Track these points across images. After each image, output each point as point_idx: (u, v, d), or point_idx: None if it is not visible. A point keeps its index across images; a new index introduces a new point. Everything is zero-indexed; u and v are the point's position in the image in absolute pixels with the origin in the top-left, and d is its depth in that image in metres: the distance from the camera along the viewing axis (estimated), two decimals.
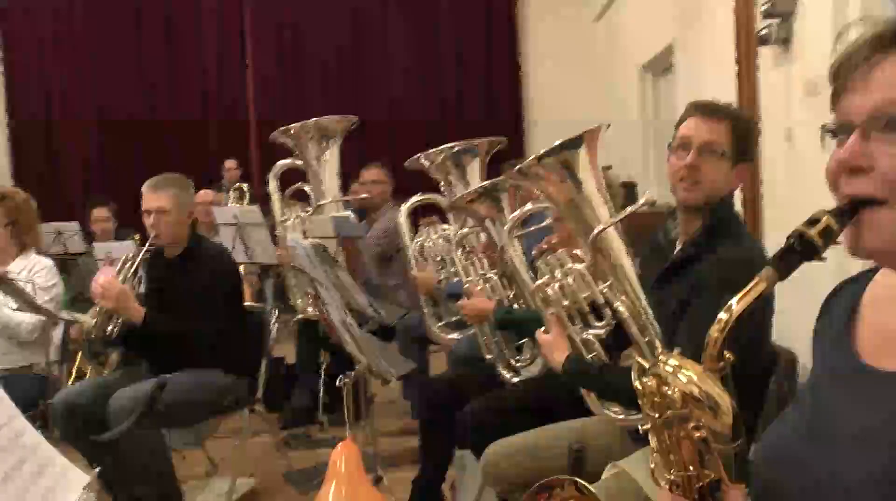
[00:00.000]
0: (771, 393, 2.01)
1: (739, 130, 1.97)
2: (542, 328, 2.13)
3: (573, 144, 2.03)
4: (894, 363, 0.92)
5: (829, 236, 0.84)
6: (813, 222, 0.85)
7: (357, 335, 2.61)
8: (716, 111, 1.98)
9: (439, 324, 3.61)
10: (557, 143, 2.03)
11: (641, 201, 1.96)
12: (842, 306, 1.04)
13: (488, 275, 3.05)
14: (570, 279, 2.08)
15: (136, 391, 2.92)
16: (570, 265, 2.10)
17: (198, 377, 3.10)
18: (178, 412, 3.00)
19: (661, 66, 6.60)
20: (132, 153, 8.79)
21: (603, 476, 1.97)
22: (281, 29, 9.11)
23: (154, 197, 3.17)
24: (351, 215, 4.06)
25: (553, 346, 2.07)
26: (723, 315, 0.89)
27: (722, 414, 0.88)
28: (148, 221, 3.19)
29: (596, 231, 1.96)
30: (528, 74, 9.11)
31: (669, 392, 0.90)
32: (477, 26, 9.08)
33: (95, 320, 3.12)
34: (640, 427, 1.03)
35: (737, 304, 0.88)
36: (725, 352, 0.88)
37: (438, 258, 3.72)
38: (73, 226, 5.85)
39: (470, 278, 3.08)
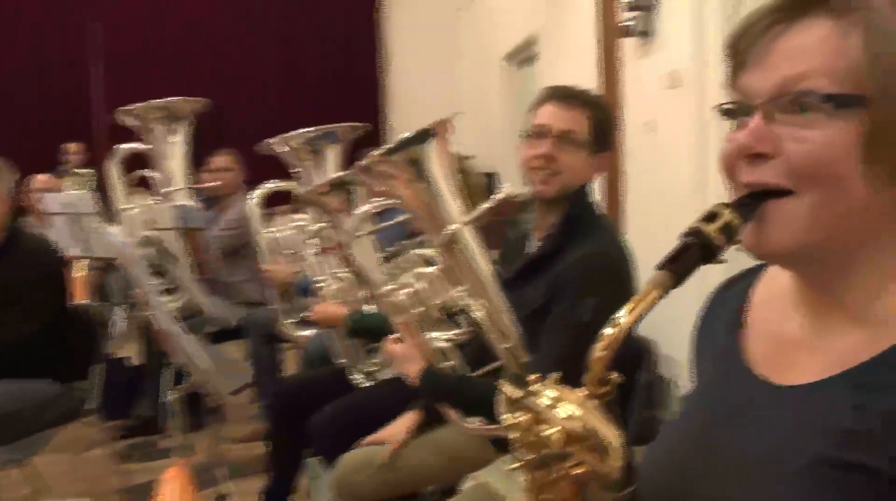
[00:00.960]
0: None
1: (598, 118, 1.88)
2: (393, 337, 1.94)
3: (421, 136, 1.85)
4: (791, 376, 0.80)
5: (730, 234, 0.71)
6: (711, 217, 0.72)
7: (188, 346, 2.33)
8: (573, 98, 1.87)
9: (291, 321, 3.40)
10: (405, 135, 1.85)
11: (497, 197, 1.80)
12: (728, 309, 0.92)
13: (340, 274, 2.85)
14: (421, 284, 1.91)
15: None
16: (420, 269, 1.92)
17: (17, 388, 2.76)
18: None
19: (523, 56, 6.57)
20: None
21: (462, 490, 1.82)
22: (131, 8, 8.55)
23: None
24: (192, 204, 3.77)
25: (405, 357, 1.88)
26: (608, 330, 0.73)
27: (611, 457, 0.72)
28: None
29: (449, 230, 1.79)
30: (389, 61, 8.94)
31: (547, 431, 0.72)
32: (337, 10, 8.83)
33: None
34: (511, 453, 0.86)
35: (626, 316, 0.73)
36: (611, 373, 0.73)
37: (291, 251, 3.51)
38: None
39: (322, 278, 2.88)
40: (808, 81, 0.72)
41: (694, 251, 0.71)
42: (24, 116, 8.35)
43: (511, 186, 1.84)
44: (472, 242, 1.82)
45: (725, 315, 0.92)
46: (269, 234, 3.53)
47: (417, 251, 2.00)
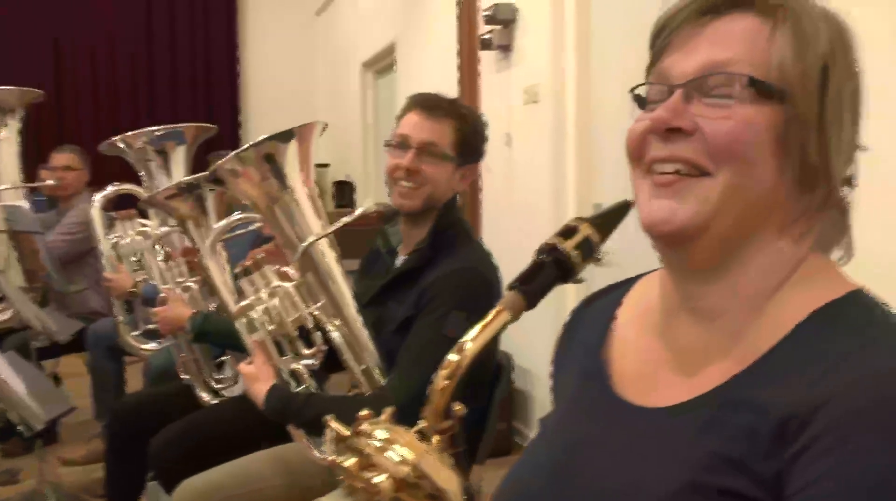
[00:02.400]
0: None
1: (464, 129, 1.82)
2: (248, 360, 1.84)
3: (281, 139, 1.76)
4: (657, 398, 0.77)
5: (588, 250, 0.66)
6: (568, 232, 0.67)
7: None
8: (438, 108, 1.80)
9: (134, 333, 3.20)
10: (261, 138, 1.75)
11: (358, 211, 1.73)
12: (592, 327, 0.89)
13: (187, 283, 2.70)
14: (276, 301, 1.81)
15: None
16: (276, 284, 1.82)
17: None
18: None
19: (382, 64, 6.54)
20: None
21: None
22: None
23: None
24: (22, 205, 3.50)
25: (255, 377, 1.78)
26: (453, 357, 0.67)
27: None
28: None
29: (304, 244, 1.70)
30: (247, 63, 8.68)
31: (375, 478, 0.65)
32: (194, 9, 8.49)
33: None
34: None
35: (472, 342, 0.67)
36: (455, 404, 0.66)
37: (136, 258, 3.31)
38: None
39: (167, 285, 2.72)
40: (733, 66, 0.73)
41: (549, 270, 0.66)
42: None
43: (372, 200, 1.77)
44: (329, 256, 1.75)
45: (589, 333, 0.89)
46: (112, 240, 3.32)
47: (268, 267, 1.88)
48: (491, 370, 1.84)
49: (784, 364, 0.70)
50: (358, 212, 1.72)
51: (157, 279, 2.89)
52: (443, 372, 0.67)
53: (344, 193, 7.41)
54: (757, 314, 0.75)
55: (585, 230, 0.67)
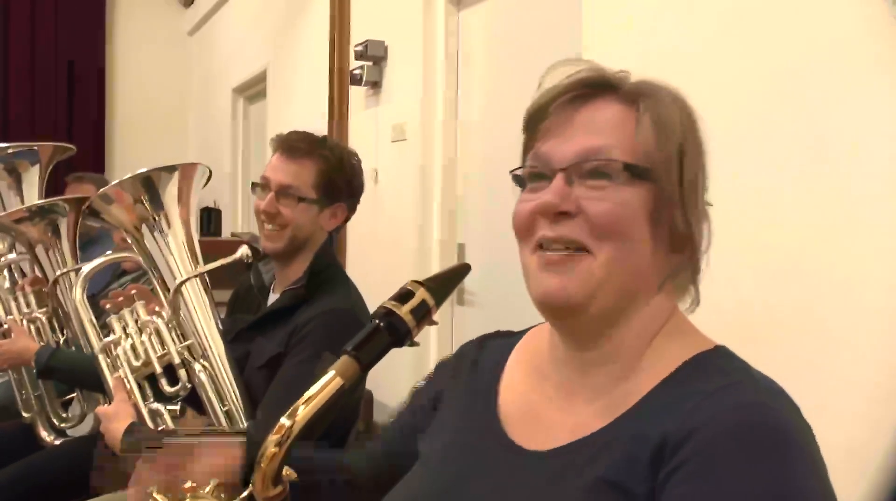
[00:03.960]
0: None
1: (328, 168, 1.83)
2: (106, 406, 1.77)
3: (164, 173, 1.73)
4: (539, 441, 0.83)
5: (423, 314, 0.69)
6: (404, 296, 0.70)
7: None
8: (299, 149, 1.81)
9: None
10: (141, 172, 1.72)
11: (235, 255, 1.73)
12: (484, 367, 0.95)
13: (35, 314, 2.57)
14: (143, 337, 1.76)
15: None
16: (146, 319, 1.78)
17: None
18: None
19: (254, 90, 6.47)
20: None
21: None
22: None
23: None
24: None
25: (114, 415, 1.70)
26: (285, 421, 0.68)
27: None
28: None
29: (178, 282, 1.67)
30: (114, 82, 8.33)
31: None
32: (59, 21, 8.06)
33: None
34: None
35: (304, 407, 0.68)
36: (286, 470, 0.67)
37: None
38: None
39: (11, 316, 2.59)
40: (608, 152, 0.82)
41: (382, 336, 0.69)
42: None
43: (246, 247, 1.76)
44: (201, 296, 1.73)
45: (480, 373, 0.94)
46: None
47: (139, 303, 1.84)
48: (356, 414, 1.85)
49: (662, 402, 0.78)
50: (235, 256, 1.72)
51: (0, 309, 2.74)
52: (273, 438, 0.67)
53: (210, 219, 7.22)
54: (637, 361, 0.83)
55: (421, 295, 0.70)
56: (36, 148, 3.04)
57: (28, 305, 2.63)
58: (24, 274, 2.77)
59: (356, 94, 4.24)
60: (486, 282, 3.08)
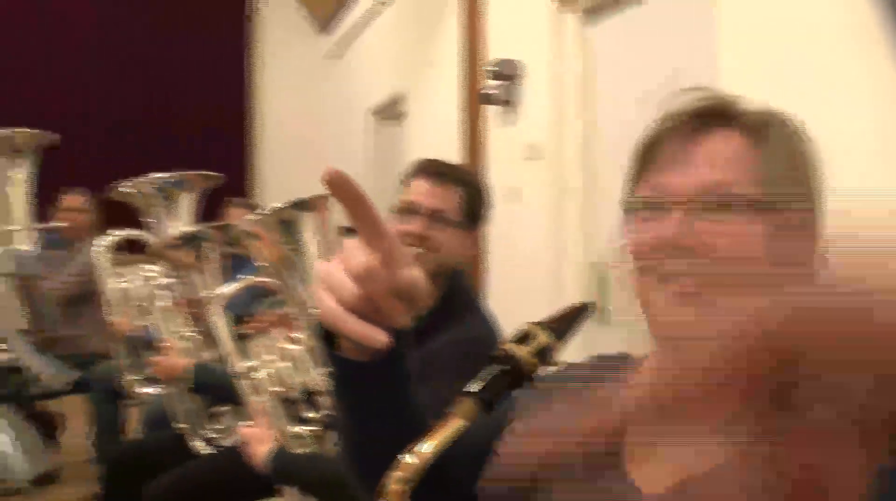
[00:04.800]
0: None
1: (470, 195, 1.84)
2: (248, 423, 1.85)
3: (299, 207, 1.77)
4: (649, 481, 0.81)
5: (545, 356, 0.69)
6: (523, 338, 0.70)
7: None
8: (444, 175, 1.82)
9: (136, 377, 3.23)
10: (282, 205, 1.77)
11: None
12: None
13: (187, 333, 2.73)
14: (283, 363, 1.82)
15: None
16: (284, 346, 1.83)
17: None
18: None
19: (391, 112, 6.61)
20: None
21: None
22: None
23: None
24: (28, 249, 3.54)
25: (258, 439, 1.78)
26: (408, 459, 0.69)
27: None
28: None
29: (314, 311, 1.71)
30: (258, 109, 8.78)
31: None
32: (207, 49, 8.62)
33: None
34: None
35: (428, 446, 0.69)
36: None
37: (139, 303, 3.35)
38: None
39: (166, 334, 2.76)
40: (730, 187, 0.81)
41: (503, 378, 0.69)
42: None
43: None
44: None
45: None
46: (118, 284, 3.36)
47: (282, 329, 1.90)
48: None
49: None
50: None
51: (158, 327, 2.93)
52: (396, 475, 0.68)
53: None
54: None
55: (542, 338, 0.70)
56: (187, 176, 3.23)
57: (182, 324, 2.80)
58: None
59: (490, 113, 4.28)
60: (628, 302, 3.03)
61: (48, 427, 3.95)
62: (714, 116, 0.84)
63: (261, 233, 1.74)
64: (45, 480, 3.29)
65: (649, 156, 0.86)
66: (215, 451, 2.55)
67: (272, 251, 1.75)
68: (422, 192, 1.81)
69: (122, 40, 8.30)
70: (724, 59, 2.43)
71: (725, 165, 0.82)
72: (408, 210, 1.81)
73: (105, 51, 8.26)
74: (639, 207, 0.85)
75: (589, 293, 3.44)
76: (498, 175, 4.16)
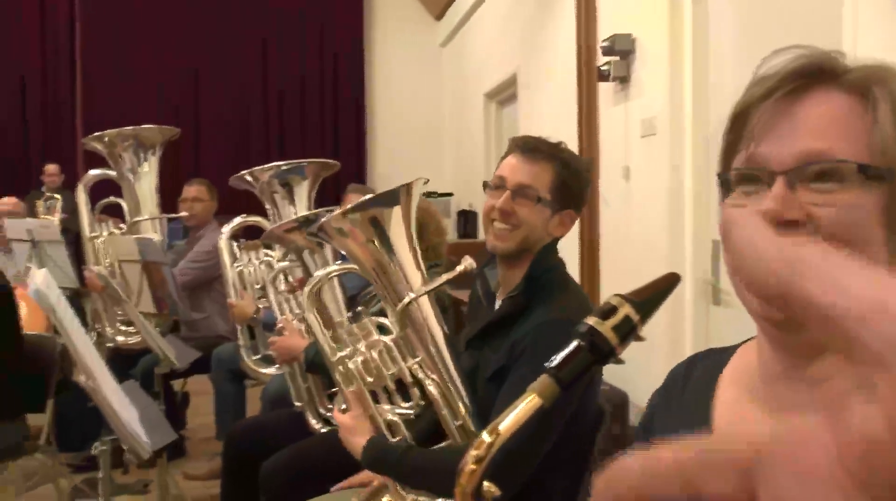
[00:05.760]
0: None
1: (564, 175, 1.78)
2: (343, 407, 1.86)
3: (385, 200, 1.76)
4: None
5: (627, 331, 0.65)
6: (607, 312, 0.66)
7: (111, 399, 2.21)
8: (537, 151, 1.77)
9: (255, 357, 3.33)
10: (368, 197, 1.76)
11: (458, 268, 1.71)
12: (698, 387, 0.88)
13: (304, 315, 2.80)
14: (374, 353, 1.80)
15: None
16: (375, 338, 1.83)
17: None
18: None
19: (504, 94, 6.58)
20: None
21: None
22: (115, 27, 8.49)
23: None
24: (155, 237, 3.71)
25: (353, 428, 1.78)
26: (486, 437, 0.66)
27: None
28: None
29: (405, 302, 1.68)
30: (374, 97, 8.92)
31: None
32: (322, 43, 8.81)
33: None
34: None
35: (506, 424, 0.66)
36: (486, 485, 0.66)
37: (259, 286, 3.45)
38: None
39: (285, 315, 2.83)
40: (835, 153, 0.73)
41: (584, 355, 0.65)
42: (7, 134, 8.30)
43: (470, 259, 1.74)
44: (428, 312, 1.73)
45: (699, 387, 0.88)
46: (238, 268, 3.47)
47: (372, 318, 1.90)
48: (588, 419, 1.81)
49: None
50: (458, 269, 1.69)
51: (276, 309, 3.00)
52: (473, 453, 0.66)
53: (467, 221, 7.48)
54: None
55: (625, 311, 0.66)
56: (305, 164, 3.29)
57: (298, 306, 2.86)
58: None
59: (605, 90, 4.18)
60: None
61: (175, 406, 4.14)
62: (814, 75, 0.75)
63: (347, 229, 1.73)
64: (172, 454, 3.44)
65: (743, 124, 0.78)
66: (332, 430, 2.60)
67: (358, 243, 1.74)
68: (511, 167, 1.78)
69: (240, 35, 8.58)
70: (848, 29, 2.28)
71: (830, 129, 0.73)
72: (495, 185, 1.78)
73: (223, 45, 8.56)
74: (733, 180, 0.78)
75: (706, 273, 3.32)
76: (612, 153, 4.07)
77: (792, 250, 0.30)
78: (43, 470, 3.34)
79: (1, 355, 2.77)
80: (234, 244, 3.47)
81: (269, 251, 3.54)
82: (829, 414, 0.29)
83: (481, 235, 7.08)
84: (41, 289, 1.92)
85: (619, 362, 0.66)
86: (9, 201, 5.13)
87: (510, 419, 0.65)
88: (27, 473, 3.20)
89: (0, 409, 2.81)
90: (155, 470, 3.72)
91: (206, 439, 4.30)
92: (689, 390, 0.89)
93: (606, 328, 0.64)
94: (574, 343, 0.65)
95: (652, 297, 0.67)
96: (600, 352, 0.64)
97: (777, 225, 0.73)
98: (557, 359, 0.66)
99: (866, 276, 0.28)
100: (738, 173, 0.78)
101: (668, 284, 0.70)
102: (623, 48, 3.86)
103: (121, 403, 2.09)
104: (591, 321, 0.65)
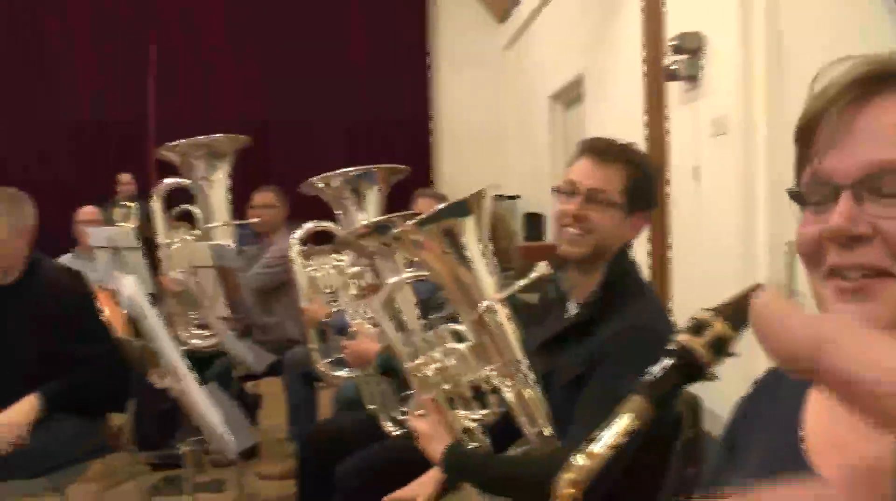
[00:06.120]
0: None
1: (635, 176, 1.76)
2: (420, 412, 1.85)
3: (458, 210, 1.75)
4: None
5: (721, 349, 0.64)
6: (698, 328, 0.65)
7: (198, 399, 2.26)
8: (608, 154, 1.75)
9: (326, 361, 3.38)
10: (439, 208, 1.76)
11: (534, 274, 1.70)
12: (788, 394, 0.86)
13: (379, 321, 2.82)
14: (451, 360, 1.79)
15: None
16: (451, 346, 1.81)
17: (41, 429, 2.71)
18: (16, 467, 2.66)
19: (570, 96, 6.54)
20: (18, 158, 8.23)
21: None
22: (185, 36, 8.70)
23: None
24: (228, 243, 3.79)
25: (431, 435, 1.77)
26: (580, 460, 0.66)
27: None
28: None
29: (479, 310, 1.68)
30: (438, 102, 8.94)
31: None
32: (386, 48, 8.87)
33: None
34: None
35: (601, 448, 0.66)
36: None
37: (329, 290, 3.50)
38: None
39: (358, 322, 2.86)
40: None
41: (676, 373, 0.65)
42: (84, 144, 8.56)
43: (545, 265, 1.73)
44: (504, 319, 1.71)
45: (787, 395, 0.86)
46: (309, 273, 3.53)
47: (448, 326, 1.90)
48: (667, 424, 1.79)
49: None
50: (533, 275, 1.68)
51: (348, 313, 3.04)
52: (567, 477, 0.66)
53: (534, 225, 7.43)
54: None
55: (718, 326, 0.65)
56: (375, 170, 3.33)
57: (370, 310, 2.89)
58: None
59: (673, 89, 4.13)
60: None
61: (249, 407, 4.22)
62: (874, 82, 0.72)
63: (422, 241, 1.72)
64: (249, 455, 3.51)
65: (808, 138, 0.76)
66: (407, 434, 2.62)
67: (436, 259, 1.73)
68: (582, 171, 1.76)
69: (306, 43, 8.70)
70: None
71: (894, 138, 0.70)
72: (567, 189, 1.77)
73: (290, 53, 8.69)
74: (799, 197, 0.77)
75: (781, 277, 3.25)
76: (681, 154, 4.01)
77: (815, 327, 0.32)
78: (124, 468, 3.44)
79: (93, 357, 2.85)
80: (305, 250, 3.53)
81: (338, 256, 3.59)
82: None
83: (548, 237, 7.05)
84: (132, 296, 1.99)
85: (713, 379, 0.65)
86: (88, 211, 5.30)
87: (605, 442, 0.65)
88: (111, 471, 3.31)
89: (88, 409, 2.89)
90: (229, 470, 3.84)
91: (278, 440, 4.37)
92: (780, 398, 0.87)
93: (699, 344, 0.63)
94: (666, 361, 0.65)
95: (742, 310, 0.66)
96: (693, 370, 0.64)
97: (844, 242, 0.72)
98: (649, 377, 0.65)
99: (889, 347, 0.29)
100: (804, 189, 0.76)
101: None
102: (692, 46, 3.81)
103: (206, 405, 2.14)
104: (683, 337, 0.64)
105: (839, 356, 0.30)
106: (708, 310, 0.65)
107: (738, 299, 0.68)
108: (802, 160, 0.78)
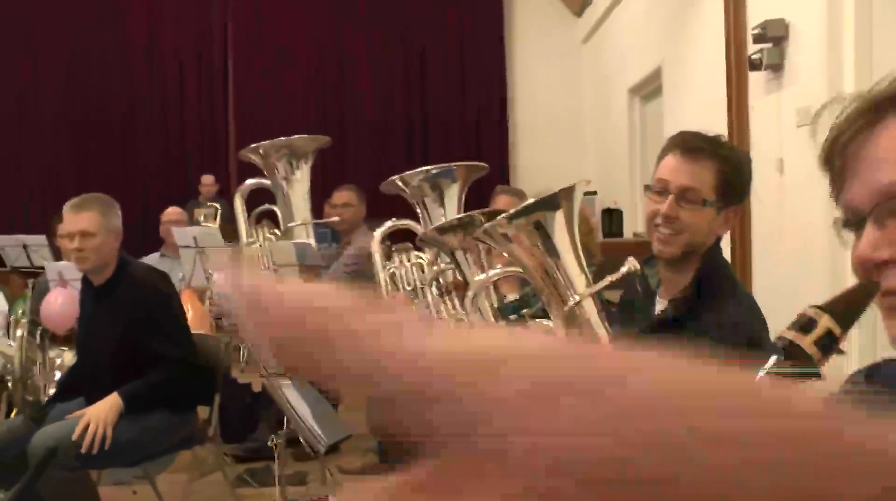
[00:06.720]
0: None
1: (726, 170, 1.71)
2: None
3: (549, 204, 1.75)
4: None
5: (829, 346, 0.63)
6: (806, 326, 0.63)
7: (288, 392, 2.32)
8: (698, 150, 1.71)
9: None
10: (531, 201, 1.76)
11: (623, 269, 1.68)
12: (883, 394, 0.85)
13: (461, 316, 2.84)
14: None
15: (61, 428, 2.75)
16: None
17: (133, 421, 2.86)
18: (111, 456, 2.79)
19: (648, 89, 6.44)
20: (104, 162, 8.51)
21: None
22: (263, 41, 8.87)
23: (76, 218, 2.93)
24: (309, 242, 3.86)
25: None
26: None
27: None
28: (71, 244, 2.94)
29: (571, 304, 1.64)
30: (515, 97, 8.91)
31: None
32: (462, 45, 8.88)
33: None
34: None
35: None
36: None
37: (410, 288, 3.53)
38: (40, 239, 5.59)
39: (441, 318, 2.88)
40: None
41: (787, 366, 0.63)
42: (168, 148, 8.81)
43: (633, 261, 1.71)
44: (592, 312, 1.72)
45: (879, 400, 0.84)
46: (389, 270, 3.56)
47: (537, 321, 1.90)
48: None
49: None
50: (622, 271, 1.66)
51: (432, 310, 3.06)
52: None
53: (612, 221, 7.31)
54: None
55: (826, 323, 0.63)
56: (454, 168, 3.34)
57: (454, 307, 2.91)
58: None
59: (756, 80, 4.03)
60: None
61: (332, 402, 4.29)
62: (880, 107, 0.71)
63: (512, 235, 1.72)
64: (331, 449, 3.58)
65: (831, 165, 0.77)
66: None
67: (526, 253, 1.73)
68: (671, 168, 1.72)
69: (381, 40, 8.77)
70: None
71: None
72: (658, 189, 1.73)
73: (364, 53, 8.78)
74: (839, 227, 0.77)
75: None
76: (765, 145, 3.91)
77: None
78: (210, 460, 3.54)
79: (171, 358, 2.96)
80: (385, 247, 3.57)
81: (419, 253, 3.61)
82: None
83: (627, 232, 6.95)
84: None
85: (820, 378, 0.64)
86: (173, 212, 5.47)
87: None
88: (198, 462, 3.40)
89: (177, 403, 3.00)
90: (310, 463, 3.90)
91: (359, 436, 4.42)
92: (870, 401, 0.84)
93: (807, 342, 0.62)
94: (773, 358, 0.63)
95: (851, 306, 0.64)
96: (801, 368, 0.62)
97: (869, 269, 0.71)
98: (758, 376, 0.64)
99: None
100: (838, 220, 0.77)
101: (866, 292, 0.68)
102: (776, 34, 3.70)
103: (296, 399, 2.19)
104: (790, 334, 0.62)
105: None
106: (815, 307, 0.64)
107: (845, 296, 0.66)
108: (833, 186, 0.78)
